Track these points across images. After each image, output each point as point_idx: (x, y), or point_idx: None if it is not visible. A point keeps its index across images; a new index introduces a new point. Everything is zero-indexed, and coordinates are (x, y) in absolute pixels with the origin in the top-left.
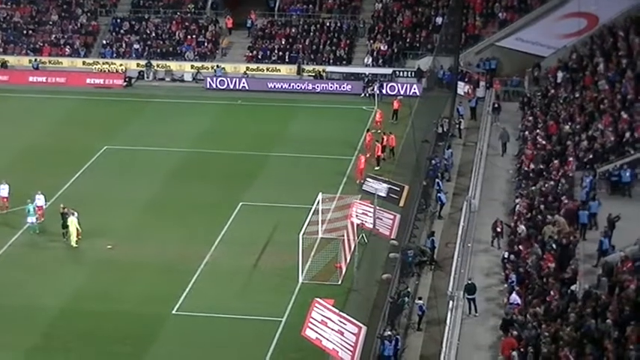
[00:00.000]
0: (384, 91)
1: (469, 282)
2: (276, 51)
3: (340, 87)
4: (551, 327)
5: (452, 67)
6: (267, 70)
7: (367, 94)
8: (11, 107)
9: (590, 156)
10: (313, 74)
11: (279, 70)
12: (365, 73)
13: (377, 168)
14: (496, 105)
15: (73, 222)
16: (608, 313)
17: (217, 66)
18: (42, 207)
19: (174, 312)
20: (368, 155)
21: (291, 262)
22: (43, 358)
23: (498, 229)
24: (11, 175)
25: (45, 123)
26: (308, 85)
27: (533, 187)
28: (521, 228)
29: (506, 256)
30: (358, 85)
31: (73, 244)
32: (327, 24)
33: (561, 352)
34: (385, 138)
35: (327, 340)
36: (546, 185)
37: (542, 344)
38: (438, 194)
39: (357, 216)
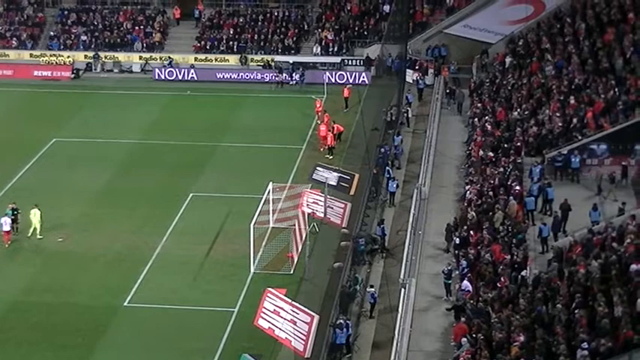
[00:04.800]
0: (304, 80)
1: (448, 268)
2: (224, 41)
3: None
4: (502, 313)
5: (400, 54)
6: (216, 60)
7: (278, 83)
8: None
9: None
10: (262, 64)
11: (228, 60)
12: (280, 61)
13: (330, 157)
14: (453, 88)
15: (36, 214)
16: (559, 298)
17: (168, 57)
18: None
19: (125, 304)
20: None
21: (242, 252)
22: None
23: None
24: None
25: None
26: (257, 75)
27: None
28: (471, 214)
29: (457, 242)
30: (307, 73)
31: (37, 235)
32: (275, 13)
33: (513, 338)
34: (335, 127)
35: (280, 329)
36: (495, 172)
37: (493, 330)
38: (388, 182)
39: (307, 205)
